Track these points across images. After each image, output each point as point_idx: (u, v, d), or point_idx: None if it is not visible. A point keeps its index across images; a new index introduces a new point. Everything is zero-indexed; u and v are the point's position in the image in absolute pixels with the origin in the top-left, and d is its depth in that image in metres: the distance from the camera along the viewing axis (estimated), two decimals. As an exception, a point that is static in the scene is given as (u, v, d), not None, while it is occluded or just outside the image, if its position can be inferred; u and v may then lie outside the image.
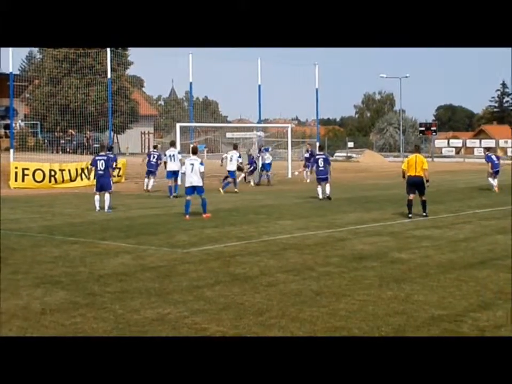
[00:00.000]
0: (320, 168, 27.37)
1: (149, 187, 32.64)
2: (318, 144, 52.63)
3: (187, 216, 20.26)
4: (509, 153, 77.11)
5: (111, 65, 41.92)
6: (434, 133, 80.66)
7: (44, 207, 24.89)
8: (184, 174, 21.12)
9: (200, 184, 20.50)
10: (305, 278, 11.67)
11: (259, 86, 48.38)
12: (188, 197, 20.61)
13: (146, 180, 33.23)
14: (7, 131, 44.84)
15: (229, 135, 67.12)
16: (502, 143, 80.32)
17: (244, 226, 18.38)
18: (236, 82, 55.55)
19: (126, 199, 27.95)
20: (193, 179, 20.43)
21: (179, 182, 29.02)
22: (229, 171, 32.50)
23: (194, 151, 21.23)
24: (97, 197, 22.58)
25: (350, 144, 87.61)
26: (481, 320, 9.01)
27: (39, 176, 34.86)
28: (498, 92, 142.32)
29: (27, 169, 34.82)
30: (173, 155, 30.38)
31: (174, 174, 29.72)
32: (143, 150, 71.66)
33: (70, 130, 53.93)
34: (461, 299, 10.16)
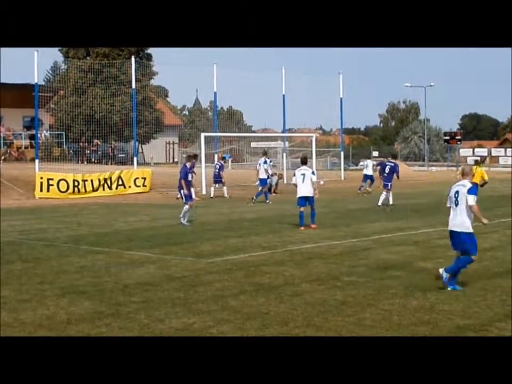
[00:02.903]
0: (385, 175, 28.30)
1: (211, 194, 34.88)
2: (342, 153, 52.62)
3: (302, 228, 19.88)
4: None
5: (135, 75, 42.19)
6: (459, 142, 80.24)
7: (69, 217, 25.06)
8: (295, 185, 20.22)
9: (311, 194, 19.89)
10: (330, 288, 11.65)
11: (283, 95, 48.41)
12: (301, 208, 20.05)
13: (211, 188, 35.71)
14: (33, 141, 45.18)
15: (253, 144, 67.19)
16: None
17: (268, 236, 18.39)
18: (261, 91, 55.38)
19: (151, 209, 28.06)
20: (305, 190, 19.84)
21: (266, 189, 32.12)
22: (260, 179, 33.20)
23: (304, 161, 20.74)
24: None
25: (375, 153, 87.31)
26: (506, 329, 8.94)
27: (63, 186, 35.15)
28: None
29: (52, 179, 35.10)
30: (260, 164, 33.42)
31: (262, 181, 32.68)
32: (167, 160, 71.93)
33: (96, 141, 54.26)
34: (486, 308, 10.10)
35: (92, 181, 36.20)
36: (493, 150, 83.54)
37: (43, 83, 56.50)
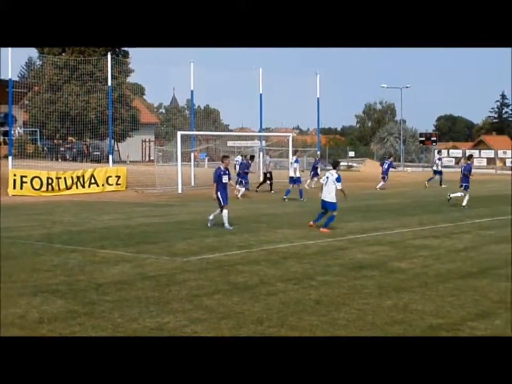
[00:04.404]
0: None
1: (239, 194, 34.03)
2: (319, 153, 52.70)
3: (310, 223, 20.02)
4: (508, 164, 77.20)
5: (111, 72, 42.01)
6: (434, 143, 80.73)
7: (43, 215, 24.90)
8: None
9: (328, 199, 19.57)
10: (305, 287, 11.67)
11: (260, 95, 48.44)
12: (322, 210, 20.01)
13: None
14: (6, 138, 44.77)
15: (230, 143, 67.13)
16: (501, 153, 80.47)
17: (244, 235, 18.37)
18: (238, 91, 55.65)
19: (126, 208, 27.96)
20: (324, 193, 19.70)
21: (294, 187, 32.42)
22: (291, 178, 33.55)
23: (334, 165, 20.58)
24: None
25: (351, 154, 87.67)
26: (478, 329, 9.01)
27: (36, 183, 34.93)
28: (498, 103, 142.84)
29: (25, 176, 34.87)
30: (291, 163, 33.94)
31: (292, 180, 32.91)
32: (143, 158, 71.70)
33: (70, 138, 53.90)
34: (459, 308, 10.17)
35: (65, 178, 35.98)
36: (467, 151, 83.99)
37: (17, 79, 56.11)
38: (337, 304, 10.42)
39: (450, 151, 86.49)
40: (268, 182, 38.28)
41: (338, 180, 19.53)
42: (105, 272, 13.00)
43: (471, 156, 30.48)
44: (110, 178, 37.84)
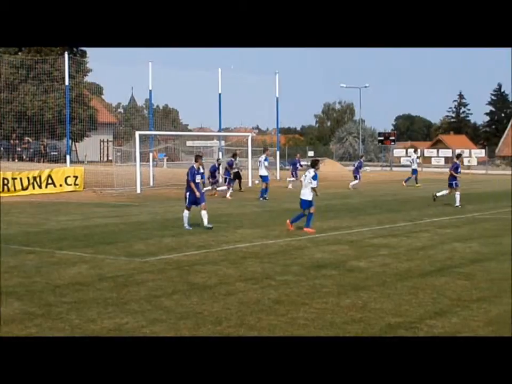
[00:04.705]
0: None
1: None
2: (278, 152, 52.78)
3: (287, 221, 19.76)
4: (465, 163, 78.14)
5: (69, 72, 41.54)
6: (393, 143, 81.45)
7: None
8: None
9: (304, 197, 19.46)
10: (264, 287, 11.66)
11: (219, 94, 48.35)
12: (302, 209, 19.79)
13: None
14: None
15: (189, 143, 66.92)
16: (458, 152, 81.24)
17: (203, 235, 18.30)
18: (197, 90, 55.13)
19: (84, 208, 27.70)
20: (302, 192, 19.63)
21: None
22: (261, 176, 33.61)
23: (313, 164, 20.30)
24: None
25: (310, 153, 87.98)
26: (436, 327, 9.08)
27: (-9, 184, 34.40)
28: (456, 103, 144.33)
29: (-20, 177, 34.32)
30: (260, 161, 34.14)
31: (263, 178, 33.15)
32: (101, 158, 71.11)
33: (27, 138, 53.27)
34: (417, 306, 10.24)
35: (21, 179, 35.51)
36: (425, 150, 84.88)
37: (-28, 78, 55.18)
38: (297, 303, 10.43)
39: (409, 150, 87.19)
40: (237, 180, 38.33)
41: (314, 178, 19.51)
42: (63, 274, 12.85)
43: (459, 155, 30.76)
44: (67, 179, 37.42)
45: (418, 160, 46.23)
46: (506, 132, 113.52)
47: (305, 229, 19.26)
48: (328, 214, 24.63)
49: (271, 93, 52.93)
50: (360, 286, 11.70)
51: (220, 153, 47.31)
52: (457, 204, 27.30)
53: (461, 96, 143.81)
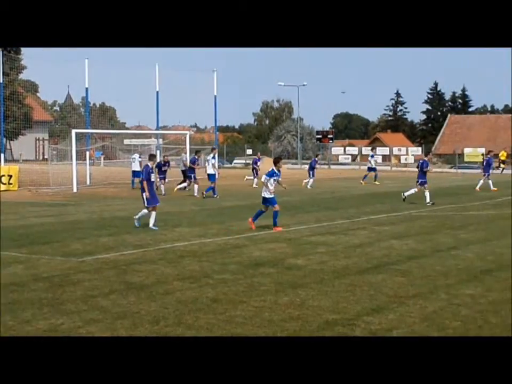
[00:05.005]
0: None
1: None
2: (216, 150, 52.68)
3: (276, 228, 19.31)
4: (402, 161, 79.26)
5: (2, 69, 40.79)
6: (331, 141, 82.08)
7: None
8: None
9: (267, 195, 19.24)
10: (202, 286, 11.61)
11: (157, 92, 48.05)
12: (263, 208, 19.55)
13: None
14: None
15: (126, 141, 66.32)
16: (395, 150, 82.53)
17: (140, 234, 18.15)
18: (134, 88, 54.59)
19: (19, 207, 27.22)
20: (263, 190, 19.41)
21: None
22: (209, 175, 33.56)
23: (275, 162, 19.92)
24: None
25: (249, 151, 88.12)
26: (373, 323, 9.16)
27: None
28: (393, 101, 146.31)
29: None
30: (208, 160, 34.26)
31: (210, 177, 33.23)
32: (37, 157, 70.05)
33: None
34: (354, 303, 10.31)
35: None
36: (363, 148, 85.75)
37: None
38: (235, 302, 10.41)
39: (347, 148, 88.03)
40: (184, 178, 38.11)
41: (268, 174, 19.32)
42: (-4, 274, 12.59)
43: (428, 153, 31.00)
44: (1, 178, 36.74)
45: (373, 160, 46.52)
46: (442, 130, 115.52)
47: (274, 229, 19.10)
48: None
49: (210, 91, 52.85)
50: (298, 284, 11.74)
51: (158, 152, 47.01)
52: (428, 200, 27.58)
53: (398, 94, 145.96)
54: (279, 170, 19.61)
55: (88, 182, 40.82)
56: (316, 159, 45.72)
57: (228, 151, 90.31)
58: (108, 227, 19.73)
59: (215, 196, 32.30)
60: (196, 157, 35.21)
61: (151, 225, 19.33)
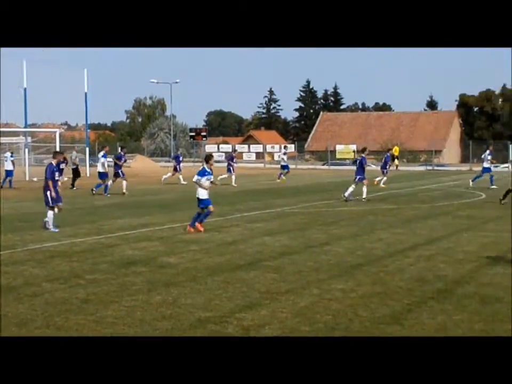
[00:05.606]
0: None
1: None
2: (87, 149, 51.84)
3: (198, 225, 18.51)
4: (276, 158, 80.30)
5: None
6: (204, 138, 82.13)
7: None
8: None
9: (202, 196, 18.43)
10: (72, 286, 11.37)
11: (25, 89, 46.76)
12: (199, 208, 18.64)
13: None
14: None
15: (-7, 139, 64.09)
16: (269, 148, 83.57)
17: (8, 235, 17.56)
18: (1, 84, 52.97)
19: None
20: (198, 191, 18.52)
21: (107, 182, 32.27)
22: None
23: (206, 159, 18.91)
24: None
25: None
26: (246, 319, 9.21)
27: None
28: (266, 99, 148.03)
29: None
30: (99, 158, 33.66)
31: (101, 175, 32.44)
32: None
33: None
34: (227, 301, 10.34)
35: None
36: (237, 146, 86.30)
37: None
38: (106, 302, 10.25)
39: (221, 145, 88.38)
40: (73, 177, 37.21)
41: (199, 174, 18.51)
42: None
43: (365, 149, 30.84)
44: None
45: (285, 157, 46.58)
46: (314, 127, 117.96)
47: (196, 225, 18.48)
48: (139, 210, 24.43)
49: (80, 89, 51.95)
50: (171, 282, 11.67)
51: (26, 150, 45.78)
52: (364, 196, 27.83)
53: (271, 92, 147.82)
54: (210, 169, 18.76)
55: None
56: (233, 155, 44.47)
57: (100, 149, 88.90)
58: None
59: (106, 194, 31.63)
60: (122, 153, 34.63)
61: (50, 227, 18.61)
